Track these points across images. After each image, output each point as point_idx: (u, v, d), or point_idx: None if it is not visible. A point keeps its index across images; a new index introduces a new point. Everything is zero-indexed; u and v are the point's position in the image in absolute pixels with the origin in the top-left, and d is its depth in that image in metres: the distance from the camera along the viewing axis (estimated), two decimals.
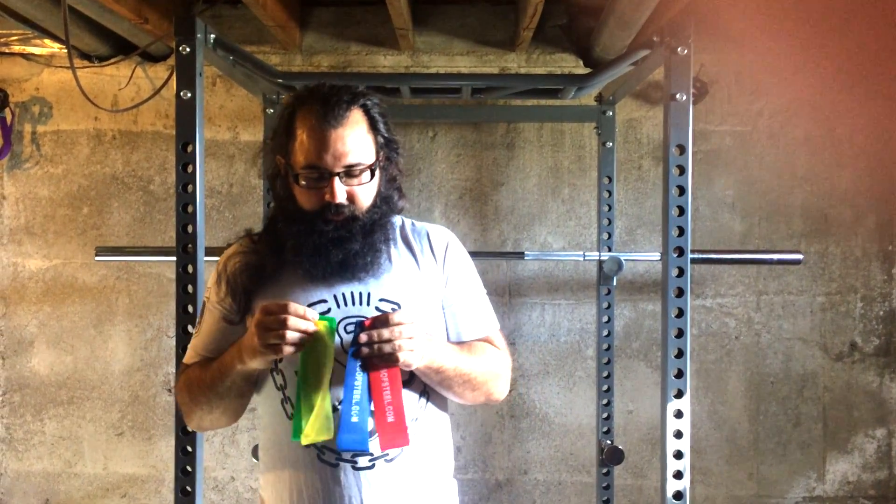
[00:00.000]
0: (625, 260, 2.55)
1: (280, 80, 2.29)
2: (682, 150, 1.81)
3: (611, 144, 2.66)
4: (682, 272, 1.83)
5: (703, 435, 2.94)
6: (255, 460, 2.68)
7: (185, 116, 1.81)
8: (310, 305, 1.45)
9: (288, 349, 1.32)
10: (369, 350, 1.34)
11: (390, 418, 1.35)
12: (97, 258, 2.52)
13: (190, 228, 1.82)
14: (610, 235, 2.68)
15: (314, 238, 1.47)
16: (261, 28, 2.77)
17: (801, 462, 2.94)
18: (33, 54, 2.94)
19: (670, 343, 1.83)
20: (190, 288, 1.83)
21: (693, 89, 2.80)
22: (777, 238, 2.91)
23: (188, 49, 1.80)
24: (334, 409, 1.37)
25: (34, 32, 2.63)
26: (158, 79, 2.91)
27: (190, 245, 1.83)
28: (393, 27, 2.68)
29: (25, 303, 2.97)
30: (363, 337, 1.35)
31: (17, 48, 2.92)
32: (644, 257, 2.65)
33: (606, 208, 2.68)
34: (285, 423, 1.48)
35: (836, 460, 2.94)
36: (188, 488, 1.82)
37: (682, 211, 1.82)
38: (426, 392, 1.52)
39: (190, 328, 1.82)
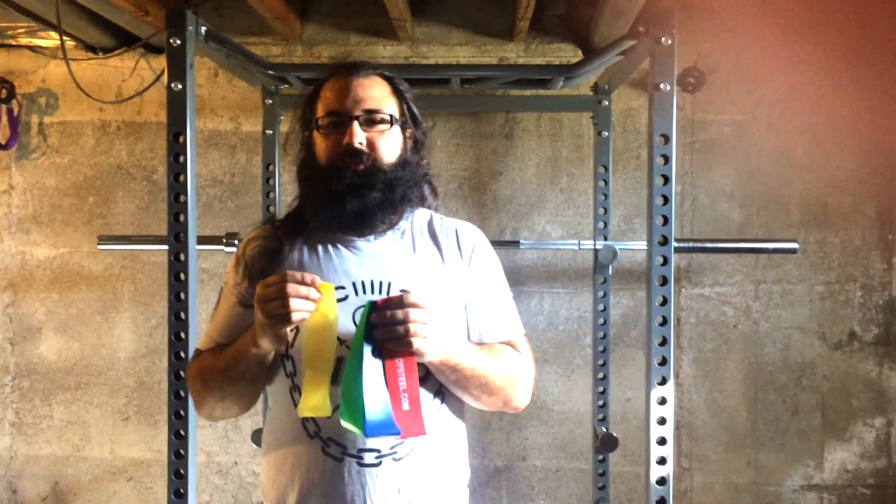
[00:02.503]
0: (619, 249, 2.57)
1: (271, 72, 2.33)
2: (667, 139, 1.82)
3: (606, 134, 2.67)
4: (666, 261, 1.84)
5: (700, 423, 2.95)
6: (255, 445, 2.73)
7: (177, 108, 1.84)
8: None
9: (295, 317, 1.26)
10: (382, 333, 1.27)
11: (405, 406, 1.28)
12: (99, 247, 2.57)
13: (182, 217, 1.86)
14: (606, 224, 2.69)
15: (331, 186, 1.44)
16: (262, 19, 2.80)
17: (799, 450, 2.94)
18: (39, 47, 2.99)
19: (654, 331, 1.84)
20: (182, 276, 1.87)
21: (691, 78, 2.83)
22: (776, 227, 2.91)
23: (179, 41, 1.83)
24: (348, 392, 1.29)
25: (39, 25, 2.68)
26: (162, 70, 2.95)
27: (182, 234, 1.86)
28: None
29: (33, 290, 3.04)
30: (375, 318, 1.28)
31: (23, 41, 2.97)
32: (638, 246, 2.65)
33: (602, 197, 2.69)
34: (292, 412, 1.42)
35: (834, 449, 2.94)
36: (181, 471, 1.87)
37: (666, 200, 1.84)
38: (441, 393, 1.48)
39: (182, 315, 1.87)
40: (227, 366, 1.43)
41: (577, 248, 2.65)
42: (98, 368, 3.04)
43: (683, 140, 2.91)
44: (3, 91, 2.96)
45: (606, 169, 2.69)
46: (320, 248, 1.51)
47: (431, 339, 1.29)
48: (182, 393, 1.85)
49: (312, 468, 1.42)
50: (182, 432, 1.86)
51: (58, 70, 3.01)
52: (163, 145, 2.99)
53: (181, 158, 1.85)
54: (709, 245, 2.53)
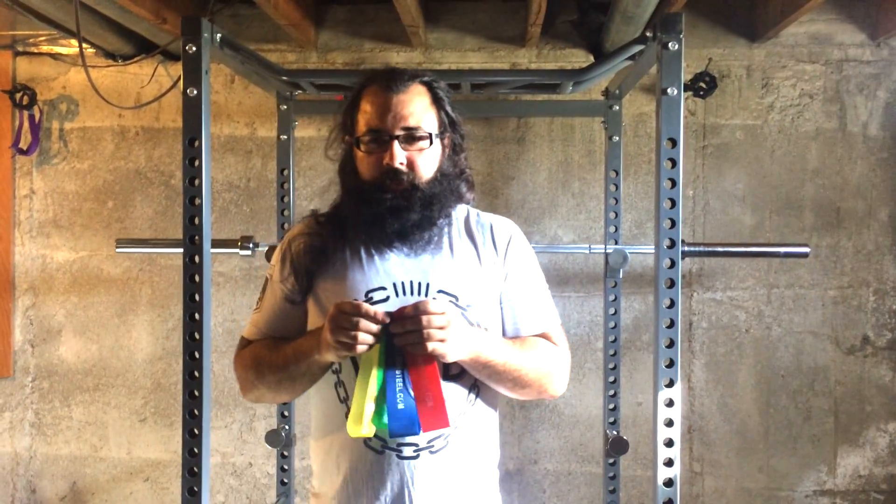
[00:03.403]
0: (630, 253, 2.58)
1: (284, 78, 2.36)
2: (674, 143, 1.83)
3: (617, 138, 2.69)
4: (673, 263, 1.85)
5: (712, 427, 2.95)
6: (269, 447, 2.76)
7: (192, 113, 1.89)
8: (369, 292, 1.52)
9: (360, 348, 1.37)
10: (401, 340, 1.39)
11: (430, 403, 1.40)
12: (117, 250, 2.62)
13: (197, 220, 1.90)
14: (616, 228, 2.71)
15: (373, 207, 1.52)
16: (277, 27, 2.84)
17: (811, 455, 2.94)
18: (60, 54, 3.05)
19: (661, 333, 1.85)
20: (197, 278, 1.90)
21: (702, 83, 2.85)
22: (788, 231, 2.91)
23: (194, 48, 1.87)
24: (377, 398, 1.42)
25: (59, 33, 2.75)
26: (179, 76, 3.00)
27: (197, 236, 1.90)
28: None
29: (54, 293, 3.09)
30: (393, 328, 1.39)
31: (44, 48, 3.04)
32: (649, 250, 2.66)
33: (613, 202, 2.70)
34: (337, 406, 1.54)
35: (847, 454, 2.93)
36: (195, 469, 1.90)
37: (673, 203, 1.85)
38: (475, 387, 1.56)
39: (197, 316, 1.90)
40: (287, 363, 1.54)
41: (588, 252, 2.67)
42: (116, 370, 3.09)
43: (695, 144, 2.92)
44: (25, 98, 3.02)
45: (618, 173, 2.70)
46: (362, 249, 1.57)
47: (451, 340, 1.39)
48: (196, 392, 1.88)
49: (355, 458, 1.52)
50: (196, 431, 1.90)
51: (78, 77, 3.07)
52: (180, 150, 3.01)
53: (196, 163, 1.90)
54: (720, 249, 2.54)
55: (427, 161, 1.54)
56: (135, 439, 3.10)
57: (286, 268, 1.61)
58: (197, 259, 1.90)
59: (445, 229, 1.60)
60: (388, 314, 1.40)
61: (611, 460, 2.71)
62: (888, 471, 2.92)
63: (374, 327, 1.38)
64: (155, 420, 3.09)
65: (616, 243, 2.68)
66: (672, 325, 1.86)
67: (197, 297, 1.91)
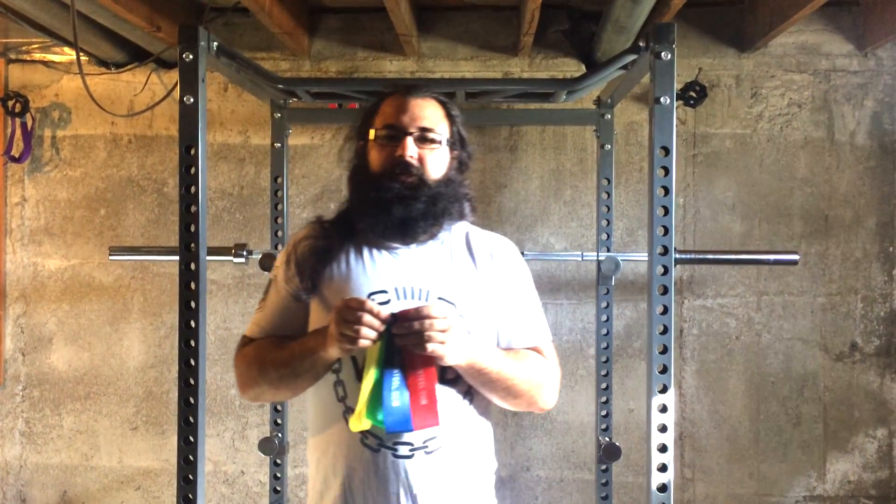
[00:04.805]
0: (622, 260, 2.60)
1: (280, 86, 2.37)
2: (667, 151, 1.85)
3: (609, 147, 2.71)
4: (666, 270, 1.87)
5: (703, 434, 2.97)
6: (262, 455, 2.75)
7: (188, 121, 1.88)
8: (370, 294, 1.56)
9: (362, 342, 1.41)
10: (402, 340, 1.42)
11: (423, 401, 1.44)
12: (111, 257, 2.62)
13: (193, 228, 1.89)
14: (609, 236, 2.73)
15: (380, 194, 1.57)
16: (271, 35, 2.85)
17: (801, 461, 2.96)
18: (53, 62, 3.06)
19: (655, 339, 1.87)
20: (192, 285, 1.90)
21: (692, 92, 2.88)
22: (777, 239, 2.94)
23: (191, 56, 1.88)
24: (373, 394, 1.45)
25: (52, 41, 2.75)
26: (173, 84, 3.00)
27: (193, 244, 1.90)
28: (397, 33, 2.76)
29: (45, 301, 3.08)
30: (396, 329, 1.42)
31: (37, 56, 3.04)
32: (641, 257, 2.68)
33: (605, 210, 2.72)
34: (334, 404, 1.57)
35: (836, 460, 2.96)
36: (190, 476, 1.89)
37: (666, 211, 1.86)
38: (469, 394, 1.59)
39: (192, 323, 1.90)
40: (293, 359, 1.57)
41: (580, 259, 2.69)
42: (107, 378, 3.08)
43: (685, 153, 2.95)
44: (18, 105, 3.02)
45: (609, 181, 2.72)
46: (366, 251, 1.63)
47: (450, 343, 1.43)
48: (192, 400, 1.88)
49: (351, 456, 1.55)
50: (191, 438, 1.89)
51: (71, 84, 3.07)
52: (173, 158, 3.04)
53: (192, 170, 1.89)
54: (710, 256, 2.55)
55: (436, 161, 1.61)
56: (126, 448, 3.09)
57: (291, 269, 1.64)
58: (193, 266, 1.90)
59: (447, 238, 1.66)
60: (392, 315, 1.44)
61: (603, 467, 2.72)
62: (877, 476, 2.95)
63: (377, 324, 1.42)
64: (146, 428, 3.08)
65: (608, 251, 2.70)
66: (665, 331, 1.87)
67: (192, 305, 1.90)
